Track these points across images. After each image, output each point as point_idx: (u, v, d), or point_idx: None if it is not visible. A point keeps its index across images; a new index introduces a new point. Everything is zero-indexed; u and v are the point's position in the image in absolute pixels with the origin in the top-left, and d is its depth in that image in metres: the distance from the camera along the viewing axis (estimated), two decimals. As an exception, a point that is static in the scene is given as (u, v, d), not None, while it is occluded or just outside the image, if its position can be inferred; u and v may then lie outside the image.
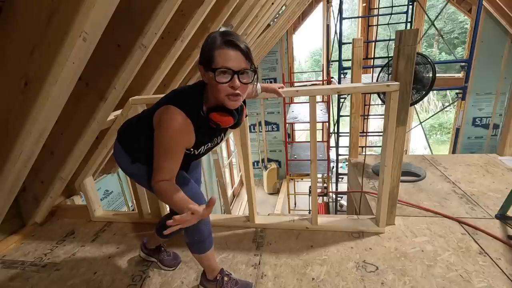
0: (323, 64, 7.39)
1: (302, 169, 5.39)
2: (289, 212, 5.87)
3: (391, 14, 4.32)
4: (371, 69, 4.04)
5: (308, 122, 1.52)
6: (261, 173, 7.83)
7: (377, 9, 6.28)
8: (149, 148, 1.01)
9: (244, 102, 1.14)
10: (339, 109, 4.27)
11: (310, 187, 2.43)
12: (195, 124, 0.96)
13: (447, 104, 12.78)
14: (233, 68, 0.89)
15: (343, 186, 5.26)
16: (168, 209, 1.75)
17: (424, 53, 3.43)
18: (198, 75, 2.61)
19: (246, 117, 1.21)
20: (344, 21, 4.21)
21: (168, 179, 0.99)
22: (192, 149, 1.04)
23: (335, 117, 4.42)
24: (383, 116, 1.48)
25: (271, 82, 5.28)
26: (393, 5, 4.48)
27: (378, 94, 2.48)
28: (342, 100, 4.35)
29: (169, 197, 0.99)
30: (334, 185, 4.94)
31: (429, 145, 4.86)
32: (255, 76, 0.97)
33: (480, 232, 1.57)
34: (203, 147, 1.08)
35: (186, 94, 1.01)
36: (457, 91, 3.90)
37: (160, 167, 0.98)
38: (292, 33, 6.96)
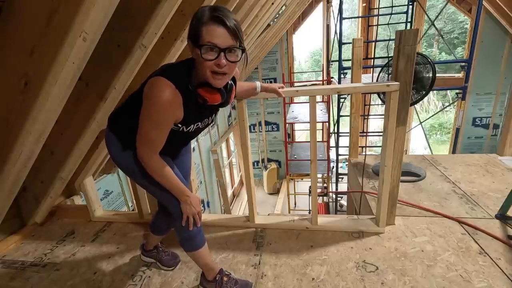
0: (323, 64, 7.38)
1: (302, 169, 5.38)
2: (289, 212, 5.87)
3: (391, 14, 4.32)
4: (371, 69, 4.04)
5: (308, 122, 1.52)
6: (261, 173, 7.83)
7: (377, 9, 6.28)
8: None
9: (234, 81, 1.12)
10: (339, 109, 4.27)
11: (310, 187, 2.43)
12: (184, 98, 0.95)
13: (447, 104, 12.78)
14: (219, 45, 0.86)
15: (343, 186, 5.26)
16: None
17: (424, 53, 3.43)
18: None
19: (234, 97, 1.18)
20: (344, 21, 4.21)
21: (154, 152, 1.00)
22: (180, 125, 1.02)
23: (335, 117, 4.42)
24: (383, 116, 1.48)
25: (271, 82, 5.27)
26: (393, 5, 4.48)
27: (378, 94, 2.49)
28: (342, 100, 4.35)
29: (160, 172, 1.03)
30: (334, 185, 4.94)
31: (429, 145, 4.86)
32: (243, 55, 0.94)
33: (480, 232, 1.57)
34: (192, 125, 1.06)
35: (176, 67, 0.99)
36: (457, 91, 3.89)
37: (147, 139, 0.98)
38: (292, 33, 6.96)
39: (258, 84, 1.38)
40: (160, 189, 1.11)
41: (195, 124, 1.07)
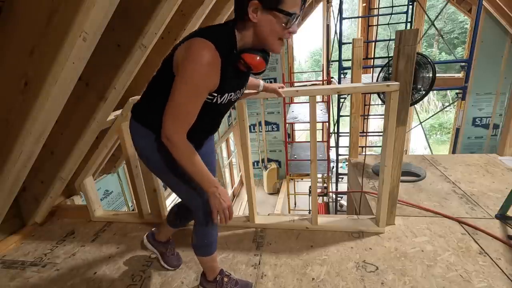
0: (323, 64, 7.38)
1: (302, 169, 5.38)
2: (289, 212, 5.86)
3: (391, 14, 4.32)
4: (371, 69, 4.04)
5: (308, 122, 1.52)
6: (261, 173, 7.83)
7: (377, 9, 6.28)
8: None
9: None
10: (339, 109, 4.27)
11: (310, 187, 2.43)
12: (223, 62, 0.87)
13: (447, 104, 12.78)
14: (297, 13, 0.86)
15: (343, 186, 5.26)
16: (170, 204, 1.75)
17: (424, 53, 3.43)
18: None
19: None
20: (344, 21, 4.21)
21: (183, 129, 0.90)
22: (215, 95, 0.93)
23: (335, 117, 4.42)
24: (383, 116, 1.48)
25: (271, 82, 5.26)
26: (393, 5, 4.48)
27: (378, 94, 2.49)
28: (342, 100, 4.35)
29: (187, 155, 0.92)
30: (334, 185, 4.94)
31: (429, 145, 4.86)
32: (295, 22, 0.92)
33: (480, 232, 1.57)
34: (226, 95, 0.97)
35: (215, 29, 0.91)
36: (457, 91, 3.89)
37: (178, 111, 0.87)
38: (292, 33, 6.95)
39: (261, 82, 1.38)
40: (183, 183, 1.03)
41: (229, 94, 0.98)
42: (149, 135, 1.01)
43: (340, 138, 4.46)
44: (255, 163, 8.08)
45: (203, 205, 1.07)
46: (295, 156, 5.70)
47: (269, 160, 8.02)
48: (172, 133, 0.88)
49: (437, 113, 11.78)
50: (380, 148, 1.67)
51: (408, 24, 4.65)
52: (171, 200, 4.81)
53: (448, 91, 11.78)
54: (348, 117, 3.21)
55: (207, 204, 1.04)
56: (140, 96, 1.09)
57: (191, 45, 0.85)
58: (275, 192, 7.52)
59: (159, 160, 1.03)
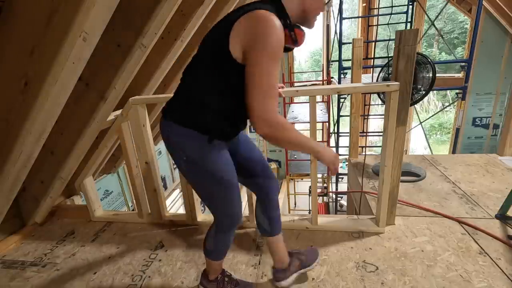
0: (323, 64, 7.38)
1: (302, 169, 5.39)
2: (289, 212, 5.86)
3: (391, 14, 4.32)
4: (371, 69, 4.04)
5: (308, 122, 1.52)
6: (261, 173, 7.82)
7: (377, 9, 6.28)
8: (228, 101, 0.85)
9: None
10: (339, 109, 4.27)
11: (310, 187, 2.43)
12: None
13: (447, 104, 12.77)
14: None
15: (343, 186, 5.26)
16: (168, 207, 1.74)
17: (424, 53, 3.43)
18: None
19: None
20: (344, 21, 4.21)
21: (275, 108, 0.81)
22: None
23: (335, 117, 4.42)
24: (383, 116, 1.48)
25: (271, 82, 5.20)
26: (393, 5, 4.48)
27: (378, 94, 2.49)
28: (342, 100, 4.35)
29: (291, 131, 0.84)
30: (334, 185, 4.94)
31: (429, 145, 4.86)
32: None
33: (480, 232, 1.57)
34: None
35: (265, 3, 0.86)
36: (457, 91, 3.90)
37: (264, 88, 0.78)
38: (292, 33, 6.94)
39: None
40: (222, 189, 0.98)
41: None
42: (197, 136, 0.90)
43: (340, 138, 4.47)
44: (255, 163, 8.07)
45: (235, 214, 1.08)
46: (295, 156, 5.70)
47: (269, 160, 8.02)
48: (267, 114, 0.79)
49: (437, 113, 11.77)
50: (380, 148, 1.67)
51: (408, 24, 4.65)
52: (171, 200, 4.82)
53: (448, 91, 11.78)
54: (348, 117, 3.21)
55: (236, 213, 1.09)
56: (173, 94, 0.98)
57: (257, 15, 0.79)
58: (275, 192, 7.51)
59: (206, 164, 0.93)
